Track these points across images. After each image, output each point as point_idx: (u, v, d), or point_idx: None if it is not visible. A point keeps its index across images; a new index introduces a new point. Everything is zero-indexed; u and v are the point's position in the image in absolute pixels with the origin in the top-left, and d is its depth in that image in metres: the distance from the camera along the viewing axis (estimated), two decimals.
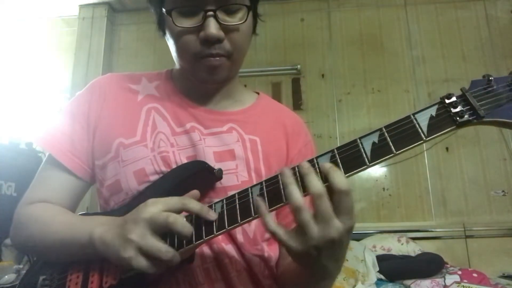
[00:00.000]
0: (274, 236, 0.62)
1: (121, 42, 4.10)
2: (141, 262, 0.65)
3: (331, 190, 0.59)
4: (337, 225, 0.59)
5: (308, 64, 3.76)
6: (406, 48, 3.67)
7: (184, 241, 0.68)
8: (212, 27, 0.76)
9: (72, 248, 0.78)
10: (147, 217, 0.65)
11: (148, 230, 0.65)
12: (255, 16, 0.90)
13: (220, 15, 0.77)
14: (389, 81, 3.61)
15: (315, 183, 0.59)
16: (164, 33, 0.88)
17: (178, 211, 0.68)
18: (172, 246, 0.68)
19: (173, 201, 0.68)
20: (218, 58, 0.80)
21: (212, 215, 0.68)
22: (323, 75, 3.72)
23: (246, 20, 0.80)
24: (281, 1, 3.89)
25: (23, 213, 0.88)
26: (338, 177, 0.59)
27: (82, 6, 3.99)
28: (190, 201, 0.69)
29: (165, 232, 0.68)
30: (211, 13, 0.76)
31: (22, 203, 0.90)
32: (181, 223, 0.65)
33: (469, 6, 3.66)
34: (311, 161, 0.64)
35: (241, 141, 0.89)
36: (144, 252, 0.65)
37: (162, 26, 0.88)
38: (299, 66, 3.71)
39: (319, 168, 0.62)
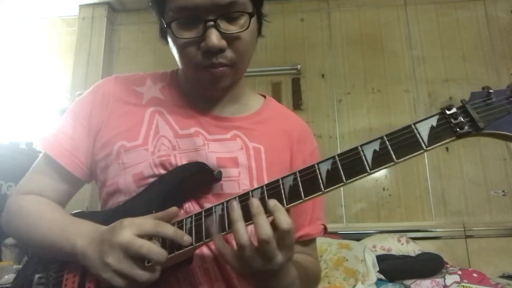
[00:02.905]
0: (221, 255, 0.67)
1: (121, 42, 4.10)
2: (119, 283, 0.68)
3: (274, 226, 0.63)
4: (279, 259, 0.63)
5: (308, 64, 3.76)
6: (406, 48, 3.67)
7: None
8: (213, 38, 0.74)
9: (55, 251, 0.80)
10: (122, 243, 0.67)
11: (123, 255, 0.67)
12: (260, 18, 0.89)
13: (221, 24, 0.76)
14: (389, 81, 3.61)
15: (264, 229, 0.61)
16: (167, 41, 0.87)
17: (152, 237, 0.70)
18: (168, 248, 0.70)
19: (148, 226, 0.70)
20: (221, 68, 0.79)
21: (187, 240, 0.69)
22: (323, 75, 3.72)
23: (248, 28, 0.78)
24: (281, 1, 3.89)
25: (15, 202, 0.91)
26: (281, 216, 0.62)
27: (82, 6, 3.99)
28: (165, 227, 0.70)
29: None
30: (211, 23, 0.74)
31: (16, 191, 0.93)
32: (155, 253, 0.67)
33: (469, 6, 3.66)
34: (311, 167, 0.65)
35: (245, 149, 0.89)
36: (121, 275, 0.67)
37: (164, 35, 0.87)
38: (299, 66, 3.70)
39: (320, 173, 0.63)
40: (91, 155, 0.91)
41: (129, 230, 0.68)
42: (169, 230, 0.69)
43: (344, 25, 3.82)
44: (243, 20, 0.78)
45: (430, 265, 2.66)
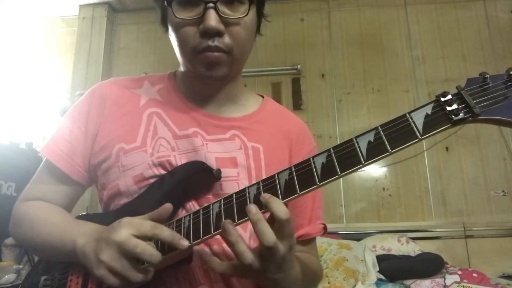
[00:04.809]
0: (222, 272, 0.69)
1: (121, 42, 4.10)
2: (113, 281, 0.68)
3: (272, 217, 0.62)
4: (281, 250, 0.63)
5: (308, 64, 3.76)
6: (406, 48, 3.67)
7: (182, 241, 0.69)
8: (212, 19, 0.75)
9: (58, 253, 0.81)
10: (118, 241, 0.67)
11: (118, 254, 0.67)
12: (260, 15, 0.89)
13: (221, 7, 0.76)
14: (389, 81, 3.61)
15: (267, 236, 0.61)
16: (167, 29, 0.87)
17: (149, 239, 0.69)
18: (167, 247, 0.70)
19: (145, 227, 0.69)
20: (216, 54, 0.78)
21: (184, 243, 0.68)
22: (323, 75, 3.72)
23: (247, 14, 0.79)
24: (281, 1, 3.89)
25: (20, 209, 0.91)
26: (278, 206, 0.61)
27: (82, 6, 3.99)
28: (162, 230, 0.69)
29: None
30: (211, 4, 0.75)
31: (21, 198, 0.93)
32: (148, 254, 0.66)
33: (469, 6, 3.66)
34: (307, 161, 0.64)
35: (243, 148, 0.88)
36: (114, 273, 0.67)
37: (165, 21, 0.87)
38: (299, 66, 3.70)
39: (315, 166, 0.63)
40: (90, 158, 0.90)
41: (126, 230, 0.68)
42: (166, 233, 0.68)
43: (344, 25, 3.82)
44: (244, 8, 0.79)
45: (430, 265, 2.65)
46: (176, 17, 0.78)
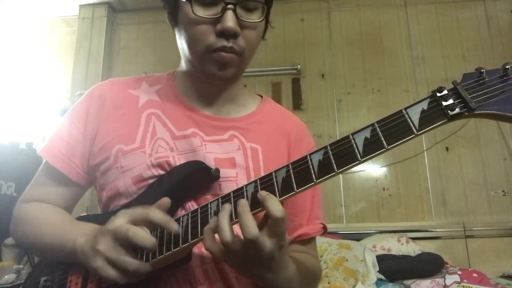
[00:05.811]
0: (210, 253, 0.66)
1: (121, 42, 4.10)
2: (110, 272, 0.67)
3: (266, 215, 0.62)
4: (267, 247, 0.62)
5: (308, 64, 3.76)
6: (406, 48, 3.67)
7: (180, 241, 0.69)
8: (231, 20, 0.76)
9: (59, 253, 0.81)
10: (112, 229, 0.68)
11: (113, 242, 0.67)
12: (267, 22, 0.90)
13: (239, 11, 0.78)
14: (389, 81, 3.61)
15: (248, 228, 0.61)
16: (176, 24, 0.87)
17: (142, 223, 0.69)
18: (164, 249, 0.70)
19: (138, 212, 0.70)
20: (230, 54, 0.80)
21: (174, 227, 0.68)
22: (323, 75, 3.72)
23: (263, 19, 0.82)
24: (281, 1, 3.89)
25: (20, 211, 0.92)
26: (274, 205, 0.61)
27: (82, 6, 4.00)
28: (154, 212, 0.69)
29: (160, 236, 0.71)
30: (231, 6, 0.77)
31: (21, 200, 0.94)
32: (142, 237, 0.66)
33: (469, 6, 3.66)
34: (304, 158, 0.64)
35: (242, 149, 0.88)
36: (112, 263, 0.67)
37: (175, 16, 0.87)
38: (299, 66, 3.70)
39: (312, 163, 0.63)
40: (88, 159, 0.91)
41: (121, 218, 0.69)
42: (158, 214, 0.69)
43: (344, 25, 3.82)
44: (258, 13, 0.82)
45: (430, 265, 2.65)
46: (194, 14, 0.78)
